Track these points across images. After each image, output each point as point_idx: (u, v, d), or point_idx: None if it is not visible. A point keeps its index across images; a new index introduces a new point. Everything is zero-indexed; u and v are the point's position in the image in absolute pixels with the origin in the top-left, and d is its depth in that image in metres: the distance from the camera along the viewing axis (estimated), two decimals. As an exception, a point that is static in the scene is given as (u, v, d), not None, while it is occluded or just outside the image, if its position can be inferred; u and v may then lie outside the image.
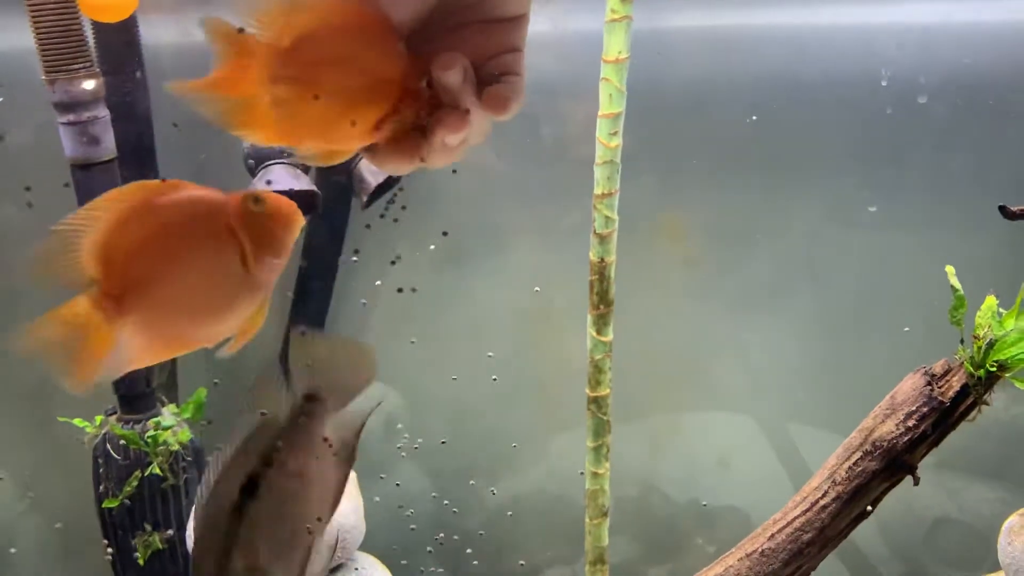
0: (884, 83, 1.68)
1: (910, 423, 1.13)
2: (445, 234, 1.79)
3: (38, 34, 1.44)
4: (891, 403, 1.17)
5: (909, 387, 1.17)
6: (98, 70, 1.48)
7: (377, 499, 1.90)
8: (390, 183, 1.66)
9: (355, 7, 0.63)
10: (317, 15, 0.61)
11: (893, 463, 1.14)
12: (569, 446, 1.97)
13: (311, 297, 1.85)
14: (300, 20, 0.61)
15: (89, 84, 1.45)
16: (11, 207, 1.86)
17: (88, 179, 1.50)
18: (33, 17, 1.43)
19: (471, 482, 2.05)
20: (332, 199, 1.70)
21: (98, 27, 1.60)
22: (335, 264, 1.83)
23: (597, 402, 1.58)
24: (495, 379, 1.94)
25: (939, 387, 1.14)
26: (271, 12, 0.60)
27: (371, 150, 0.70)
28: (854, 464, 1.16)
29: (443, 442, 1.99)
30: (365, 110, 0.63)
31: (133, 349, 0.66)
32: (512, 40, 0.74)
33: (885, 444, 1.14)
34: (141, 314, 0.65)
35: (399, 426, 1.99)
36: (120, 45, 1.60)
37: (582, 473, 1.56)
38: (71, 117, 1.46)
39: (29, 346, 0.66)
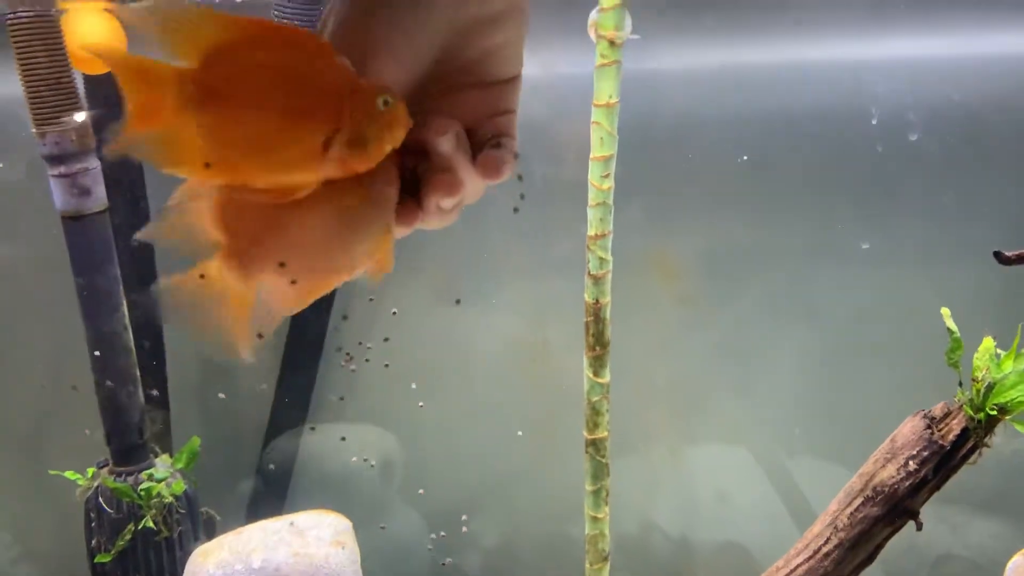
0: (874, 121, 1.69)
1: (911, 467, 1.13)
2: (516, 210, 1.76)
3: (28, 87, 1.44)
4: (891, 447, 1.16)
5: (909, 430, 1.16)
6: (88, 121, 1.48)
7: (374, 544, 1.88)
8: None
9: (272, 24, 0.59)
10: (229, 30, 0.57)
11: (895, 508, 1.13)
12: (567, 485, 1.95)
13: (305, 336, 1.84)
14: (206, 36, 0.56)
15: (80, 116, 1.44)
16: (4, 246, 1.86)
17: (79, 231, 1.49)
18: (23, 69, 1.43)
19: (467, 524, 2.03)
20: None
21: (89, 76, 1.60)
22: (329, 304, 1.82)
23: (595, 445, 1.57)
24: (520, 433, 1.92)
25: (939, 430, 1.14)
26: (171, 33, 0.56)
27: None
28: (855, 510, 1.15)
29: (419, 492, 1.98)
30: (304, 126, 0.59)
31: (278, 299, 0.62)
32: (506, 102, 0.74)
33: (886, 489, 1.13)
34: (271, 262, 0.61)
35: (397, 483, 1.98)
36: (111, 94, 1.60)
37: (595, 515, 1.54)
38: (62, 169, 1.45)
39: (174, 300, 0.61)
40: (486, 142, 0.71)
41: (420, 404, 1.86)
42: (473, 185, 0.71)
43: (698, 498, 2.05)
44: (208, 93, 0.56)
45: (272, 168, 0.59)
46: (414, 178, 0.69)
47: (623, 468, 1.62)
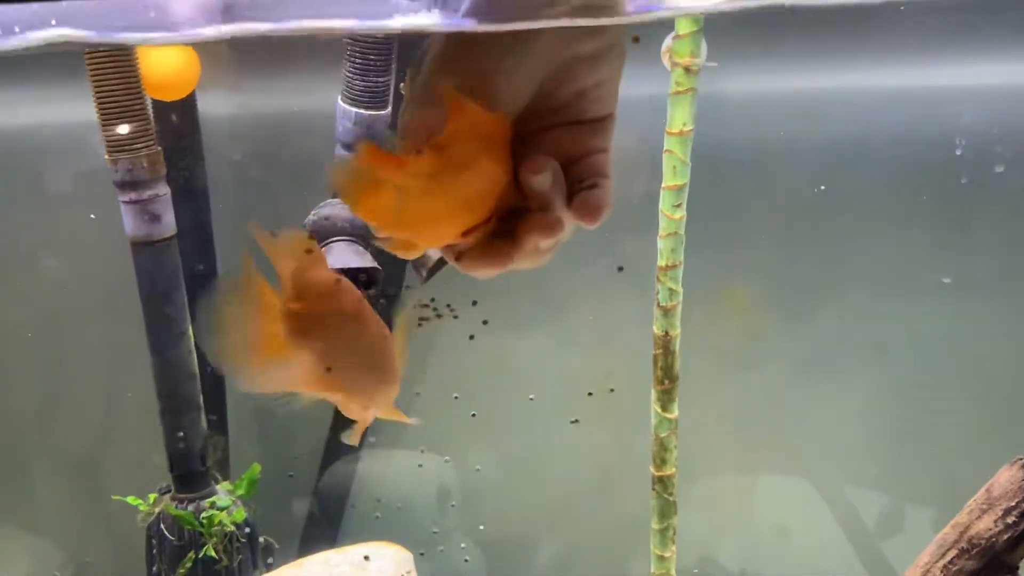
0: (958, 152, 1.64)
1: (1009, 520, 1.07)
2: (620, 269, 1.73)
3: (101, 113, 1.45)
4: (987, 497, 1.10)
5: (1006, 480, 1.10)
6: (159, 148, 1.49)
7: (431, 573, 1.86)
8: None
9: (490, 115, 0.64)
10: (456, 123, 0.61)
11: (992, 563, 1.07)
12: (630, 519, 1.91)
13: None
14: (437, 129, 0.61)
15: (124, 128, 1.44)
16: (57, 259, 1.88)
17: (148, 256, 1.50)
18: (97, 96, 1.44)
19: (525, 554, 2.00)
20: (389, 272, 1.68)
21: (158, 104, 1.62)
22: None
23: (663, 482, 1.53)
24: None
25: (1039, 481, 1.08)
26: (410, 128, 0.62)
27: (459, 257, 0.68)
28: (950, 563, 1.09)
29: (479, 527, 1.95)
30: (470, 215, 0.63)
31: (299, 375, 0.67)
32: (599, 141, 0.72)
33: (983, 542, 1.07)
34: (311, 351, 0.66)
35: (452, 504, 1.95)
36: (180, 121, 1.61)
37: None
38: (132, 196, 1.46)
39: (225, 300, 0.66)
40: (580, 182, 0.70)
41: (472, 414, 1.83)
42: (568, 224, 0.69)
43: (762, 533, 2.00)
44: (423, 170, 0.61)
45: (423, 236, 0.64)
46: (506, 218, 0.68)
47: (686, 500, 1.57)
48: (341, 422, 1.92)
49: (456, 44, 0.66)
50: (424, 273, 1.65)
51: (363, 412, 0.72)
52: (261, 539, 1.70)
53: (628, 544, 1.85)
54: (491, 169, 0.63)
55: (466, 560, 1.96)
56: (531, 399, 1.84)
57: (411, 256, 0.69)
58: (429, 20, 0.71)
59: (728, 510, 2.00)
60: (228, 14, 0.75)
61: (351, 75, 1.44)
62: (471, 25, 0.66)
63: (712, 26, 1.33)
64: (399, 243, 0.66)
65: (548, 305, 1.90)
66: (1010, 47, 1.65)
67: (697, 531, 1.94)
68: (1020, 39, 1.63)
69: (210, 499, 1.58)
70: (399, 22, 0.76)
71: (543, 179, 0.67)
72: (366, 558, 1.45)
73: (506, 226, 0.68)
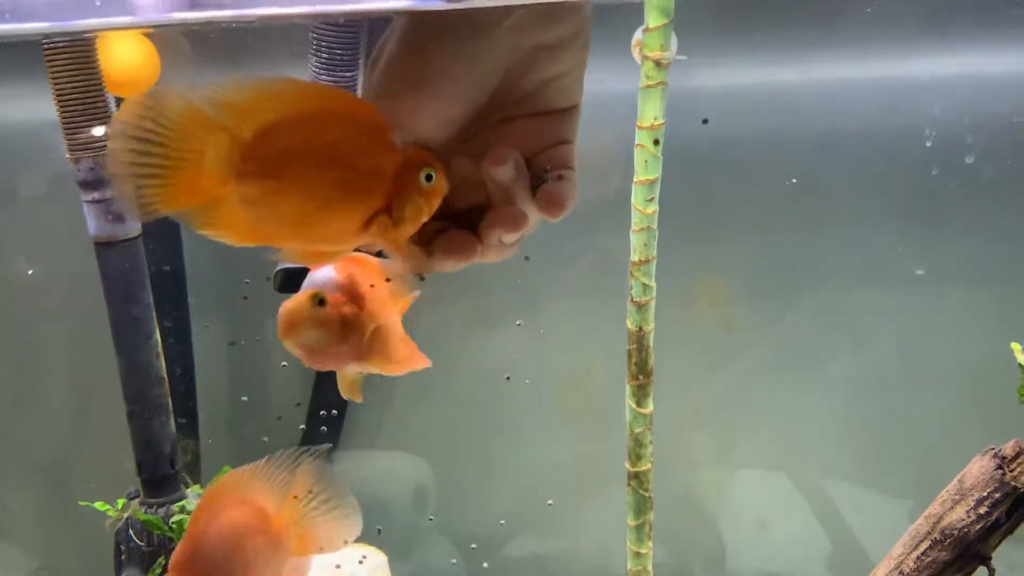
0: (929, 143, 1.65)
1: (981, 510, 1.07)
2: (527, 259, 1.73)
3: (62, 112, 1.42)
4: (959, 488, 1.10)
5: (978, 470, 1.10)
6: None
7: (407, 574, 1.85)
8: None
9: (334, 96, 0.60)
10: (285, 103, 0.57)
11: (965, 553, 1.07)
12: (607, 515, 1.91)
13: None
14: (264, 109, 0.56)
15: (99, 130, 1.42)
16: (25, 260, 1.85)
17: (113, 257, 1.48)
18: (57, 95, 1.42)
19: (503, 554, 1.99)
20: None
21: (122, 101, 1.59)
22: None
23: (638, 478, 1.52)
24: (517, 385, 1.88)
25: (1011, 471, 1.08)
26: (231, 99, 0.56)
27: (425, 251, 0.67)
28: (923, 554, 1.09)
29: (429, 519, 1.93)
30: (349, 206, 0.59)
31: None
32: (564, 132, 0.71)
33: (956, 533, 1.08)
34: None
35: (430, 513, 1.94)
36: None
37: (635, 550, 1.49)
38: (95, 195, 1.44)
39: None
40: (544, 174, 0.69)
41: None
42: (532, 217, 0.68)
43: (740, 527, 2.00)
44: (257, 168, 0.56)
45: (312, 241, 0.60)
46: (470, 211, 0.67)
47: (663, 495, 1.57)
48: (314, 424, 1.90)
49: (415, 35, 0.65)
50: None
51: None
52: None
53: (607, 541, 1.85)
54: (341, 150, 0.58)
55: (444, 559, 1.95)
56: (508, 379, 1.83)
57: (326, 263, 0.67)
58: (398, 3, 0.70)
59: (706, 504, 2.00)
60: (192, 2, 0.74)
61: (317, 70, 1.43)
62: (439, 5, 0.65)
63: (682, 19, 1.33)
64: (292, 253, 0.62)
65: (524, 301, 1.89)
66: (978, 38, 1.66)
67: (675, 526, 1.94)
68: (988, 30, 1.64)
69: (180, 503, 1.56)
70: (369, 5, 0.75)
71: (505, 171, 0.66)
72: (337, 567, 1.43)
73: (471, 219, 0.67)
